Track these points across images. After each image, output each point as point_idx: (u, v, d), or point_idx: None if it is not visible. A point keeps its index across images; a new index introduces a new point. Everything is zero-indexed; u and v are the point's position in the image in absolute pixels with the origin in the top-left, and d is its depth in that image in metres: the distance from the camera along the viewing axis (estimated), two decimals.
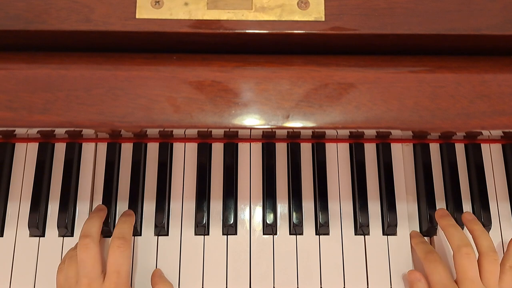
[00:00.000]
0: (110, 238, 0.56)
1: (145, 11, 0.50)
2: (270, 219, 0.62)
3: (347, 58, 0.52)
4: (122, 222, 0.58)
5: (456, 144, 0.66)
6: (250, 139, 0.66)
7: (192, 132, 0.62)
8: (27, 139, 0.65)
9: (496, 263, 0.55)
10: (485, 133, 0.62)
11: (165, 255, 0.61)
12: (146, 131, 0.61)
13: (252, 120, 0.50)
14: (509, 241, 0.61)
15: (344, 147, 0.66)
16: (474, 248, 0.57)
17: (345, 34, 0.51)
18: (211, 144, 0.65)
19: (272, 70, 0.51)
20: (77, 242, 0.56)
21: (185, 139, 0.65)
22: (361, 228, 0.62)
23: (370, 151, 0.66)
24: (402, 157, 0.66)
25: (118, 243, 0.54)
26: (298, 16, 0.51)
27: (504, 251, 0.61)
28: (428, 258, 0.57)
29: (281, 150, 0.65)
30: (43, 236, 0.61)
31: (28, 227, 0.60)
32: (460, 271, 0.55)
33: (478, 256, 0.56)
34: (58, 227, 0.61)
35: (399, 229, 0.63)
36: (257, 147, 0.65)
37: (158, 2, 0.50)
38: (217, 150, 0.65)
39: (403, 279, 0.61)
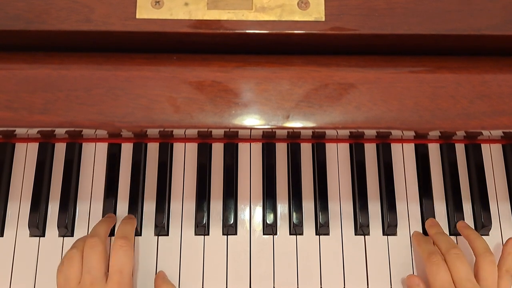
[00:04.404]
0: (113, 239, 0.56)
1: (145, 11, 0.50)
2: (270, 219, 0.61)
3: (347, 58, 0.52)
4: (124, 223, 0.58)
5: (456, 144, 0.66)
6: (250, 139, 0.66)
7: (192, 132, 0.62)
8: (27, 139, 0.65)
9: (493, 264, 0.55)
10: (485, 133, 0.61)
11: (165, 255, 0.61)
12: (146, 131, 0.61)
13: (252, 120, 0.50)
14: (504, 245, 0.60)
15: (344, 147, 0.66)
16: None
17: (345, 34, 0.51)
18: (211, 144, 0.65)
19: (272, 70, 0.51)
20: (75, 241, 0.57)
21: (185, 139, 0.65)
22: (361, 228, 0.62)
23: (370, 151, 0.66)
24: (402, 157, 0.66)
25: (121, 242, 0.55)
26: (298, 16, 0.51)
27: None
28: (431, 260, 0.56)
29: (281, 150, 0.65)
30: (43, 236, 0.61)
31: (28, 227, 0.60)
32: (454, 274, 0.55)
33: (475, 258, 0.57)
34: (58, 227, 0.61)
35: (399, 229, 0.63)
36: (257, 147, 0.65)
37: (158, 2, 0.50)
38: (217, 150, 0.65)
39: (403, 280, 0.61)
